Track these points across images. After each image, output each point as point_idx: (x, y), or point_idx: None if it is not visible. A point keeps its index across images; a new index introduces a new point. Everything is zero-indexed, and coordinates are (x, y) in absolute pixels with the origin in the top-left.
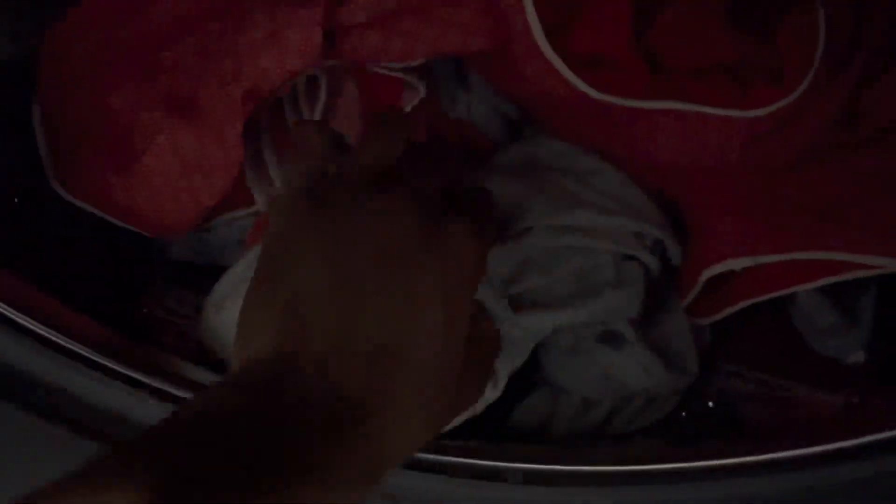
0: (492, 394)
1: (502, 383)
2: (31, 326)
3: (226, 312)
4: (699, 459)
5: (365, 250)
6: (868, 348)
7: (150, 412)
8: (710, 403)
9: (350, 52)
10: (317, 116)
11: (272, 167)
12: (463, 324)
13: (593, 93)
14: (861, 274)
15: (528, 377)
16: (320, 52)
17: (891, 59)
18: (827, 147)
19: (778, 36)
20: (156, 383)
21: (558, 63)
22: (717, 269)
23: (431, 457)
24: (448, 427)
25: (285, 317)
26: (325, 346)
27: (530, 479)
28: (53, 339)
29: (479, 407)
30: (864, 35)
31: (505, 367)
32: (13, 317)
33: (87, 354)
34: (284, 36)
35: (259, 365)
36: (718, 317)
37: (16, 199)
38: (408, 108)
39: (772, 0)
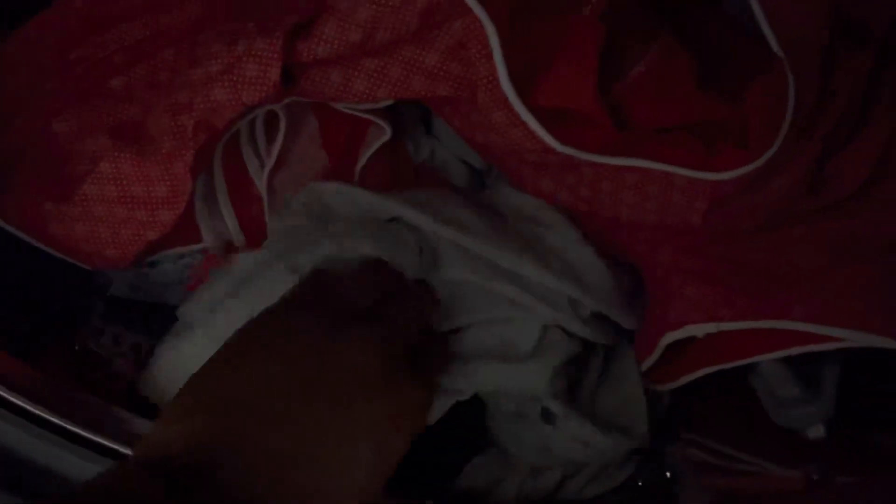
0: None
1: None
2: None
3: (186, 344)
4: None
5: (319, 383)
6: (829, 423)
7: (75, 466)
8: (668, 473)
9: (310, 90)
10: (275, 153)
11: (224, 204)
12: (390, 467)
13: (559, 146)
14: (826, 346)
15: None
16: (279, 87)
17: (855, 129)
18: (792, 213)
19: (747, 100)
20: (86, 433)
21: (525, 114)
22: (679, 334)
23: None
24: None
25: (221, 412)
26: (244, 458)
27: None
28: None
29: None
30: (830, 104)
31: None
32: None
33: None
34: (241, 68)
35: (176, 453)
36: (677, 384)
37: None
38: (373, 149)
39: (742, 64)
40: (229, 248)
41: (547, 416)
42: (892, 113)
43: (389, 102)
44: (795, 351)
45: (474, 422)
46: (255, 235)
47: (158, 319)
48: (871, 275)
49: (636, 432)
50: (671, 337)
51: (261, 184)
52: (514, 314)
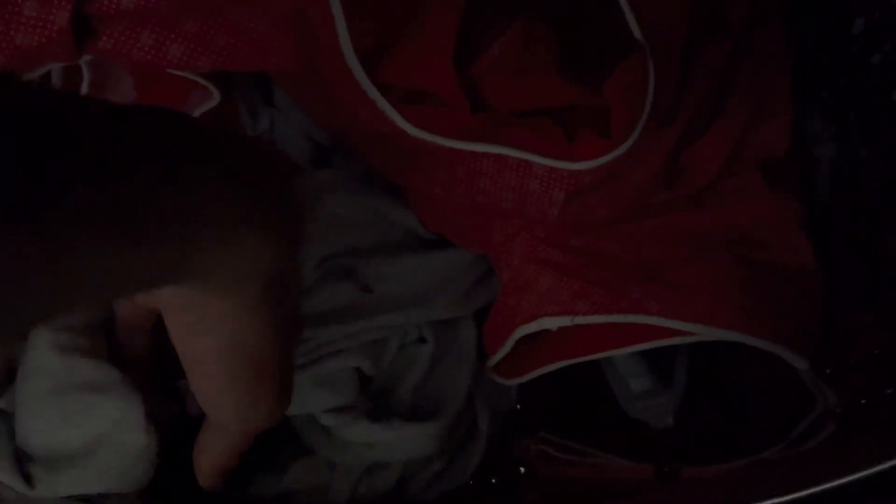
0: None
1: None
2: None
3: None
4: None
5: None
6: (678, 413)
7: None
8: (522, 469)
9: (114, 51)
10: None
11: None
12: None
13: (410, 129)
14: (679, 341)
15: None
16: (67, 37)
17: (709, 122)
18: (648, 205)
19: (608, 87)
20: None
21: (372, 91)
22: (532, 327)
23: None
24: None
25: None
26: None
27: None
28: None
29: None
30: (686, 97)
31: None
32: None
33: None
34: (15, 4)
35: None
36: (527, 377)
37: None
38: (196, 114)
39: (603, 52)
40: None
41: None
42: (744, 107)
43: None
44: (649, 345)
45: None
46: None
47: None
48: (722, 268)
49: (443, 418)
50: (524, 330)
51: None
52: None
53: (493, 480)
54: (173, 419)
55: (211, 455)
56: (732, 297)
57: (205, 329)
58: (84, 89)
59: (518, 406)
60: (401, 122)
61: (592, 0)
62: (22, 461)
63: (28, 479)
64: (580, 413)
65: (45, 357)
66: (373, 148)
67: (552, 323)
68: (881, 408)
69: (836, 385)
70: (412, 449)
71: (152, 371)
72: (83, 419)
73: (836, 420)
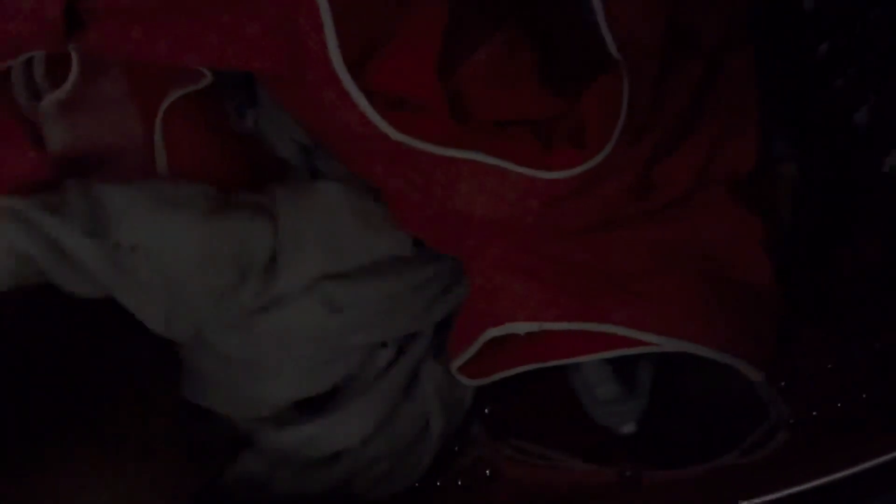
0: None
1: None
2: None
3: None
4: None
5: None
6: (640, 420)
7: None
8: (488, 472)
9: (103, 44)
10: (62, 97)
11: None
12: None
13: (393, 133)
14: (642, 350)
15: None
16: (58, 28)
17: (681, 138)
18: (620, 216)
19: (583, 100)
20: None
21: (358, 96)
22: (500, 331)
23: None
24: None
25: None
26: None
27: None
28: None
29: None
30: (660, 113)
31: None
32: None
33: None
34: None
35: None
36: (491, 379)
37: None
38: (186, 90)
39: (580, 67)
40: None
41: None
42: (715, 123)
43: None
44: (612, 354)
45: None
46: None
47: None
48: (687, 282)
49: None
50: (492, 333)
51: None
52: None
53: (460, 483)
54: None
55: None
56: (695, 311)
57: None
58: (73, 71)
59: (486, 410)
60: (384, 127)
61: (571, 16)
62: None
63: None
64: (546, 417)
65: None
66: (353, 151)
67: (521, 328)
68: (832, 419)
69: (789, 397)
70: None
71: None
72: None
73: (789, 430)
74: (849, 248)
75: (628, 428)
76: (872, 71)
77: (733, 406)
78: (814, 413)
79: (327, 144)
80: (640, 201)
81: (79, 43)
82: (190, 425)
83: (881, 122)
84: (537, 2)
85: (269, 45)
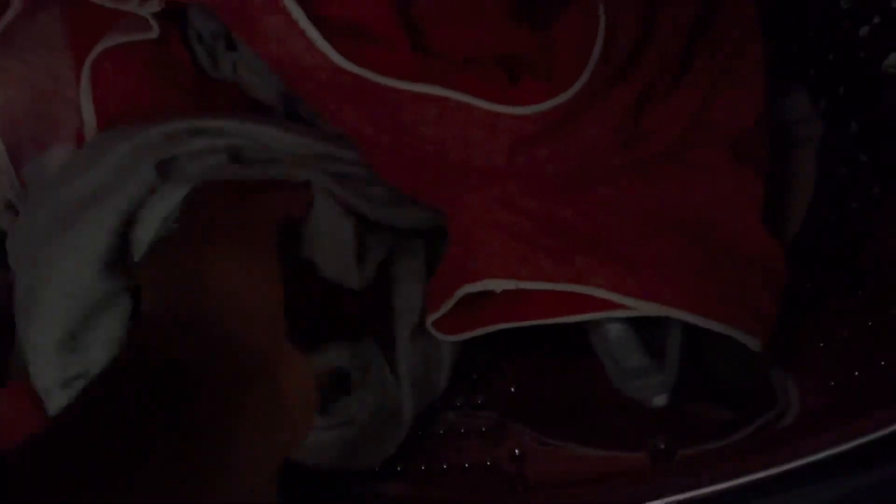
0: None
1: None
2: None
3: None
4: None
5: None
6: (672, 392)
7: None
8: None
9: None
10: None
11: None
12: None
13: (344, 62)
14: (621, 313)
15: None
16: None
17: (678, 81)
18: (606, 169)
19: (555, 33)
20: None
21: (303, 21)
22: (477, 287)
23: None
24: None
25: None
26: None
27: None
28: None
29: None
30: (648, 51)
31: None
32: None
33: None
34: None
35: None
36: (467, 336)
37: None
38: (116, 41)
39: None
40: None
41: None
42: (710, 68)
43: (156, 9)
44: (589, 317)
45: None
46: None
47: None
48: (675, 244)
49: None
50: (468, 289)
51: None
52: None
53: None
54: None
55: None
56: (677, 275)
57: None
58: (9, 13)
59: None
60: (333, 56)
61: None
62: None
63: None
64: (563, 408)
65: None
66: (320, 92)
67: (497, 285)
68: (850, 397)
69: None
70: None
71: None
72: None
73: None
74: (881, 212)
75: (659, 400)
76: None
77: (743, 388)
78: (832, 383)
79: (296, 88)
80: (627, 150)
81: None
82: None
83: None
84: None
85: None
